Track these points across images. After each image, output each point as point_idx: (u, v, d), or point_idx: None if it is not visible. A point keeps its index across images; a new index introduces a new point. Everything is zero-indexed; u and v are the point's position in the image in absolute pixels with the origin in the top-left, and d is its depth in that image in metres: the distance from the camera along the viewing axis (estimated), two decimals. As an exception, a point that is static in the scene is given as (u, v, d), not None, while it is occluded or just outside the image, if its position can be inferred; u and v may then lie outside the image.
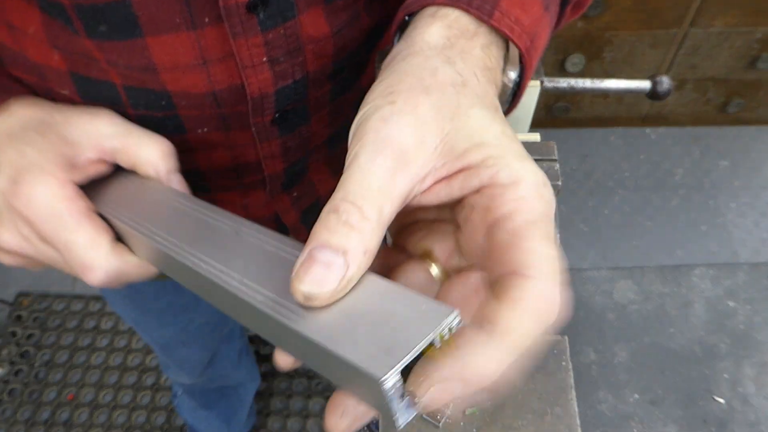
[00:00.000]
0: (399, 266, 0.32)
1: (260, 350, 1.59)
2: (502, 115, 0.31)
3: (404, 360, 0.23)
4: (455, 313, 0.24)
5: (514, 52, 0.36)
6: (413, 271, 0.31)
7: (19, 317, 1.65)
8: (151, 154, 0.41)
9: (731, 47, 1.70)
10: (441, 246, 0.32)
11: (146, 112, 0.46)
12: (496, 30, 0.34)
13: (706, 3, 1.58)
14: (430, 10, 0.33)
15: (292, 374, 1.56)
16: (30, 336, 1.62)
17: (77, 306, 1.66)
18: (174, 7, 0.39)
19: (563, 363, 0.50)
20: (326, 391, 1.53)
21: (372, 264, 0.27)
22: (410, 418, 0.25)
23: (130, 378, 1.56)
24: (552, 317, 0.25)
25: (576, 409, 0.48)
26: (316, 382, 1.54)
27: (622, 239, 1.74)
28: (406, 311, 0.25)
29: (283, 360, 0.30)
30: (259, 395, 1.51)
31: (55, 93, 0.46)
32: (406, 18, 0.35)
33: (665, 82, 0.70)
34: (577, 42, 1.68)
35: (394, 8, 0.38)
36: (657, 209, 1.80)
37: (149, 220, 0.39)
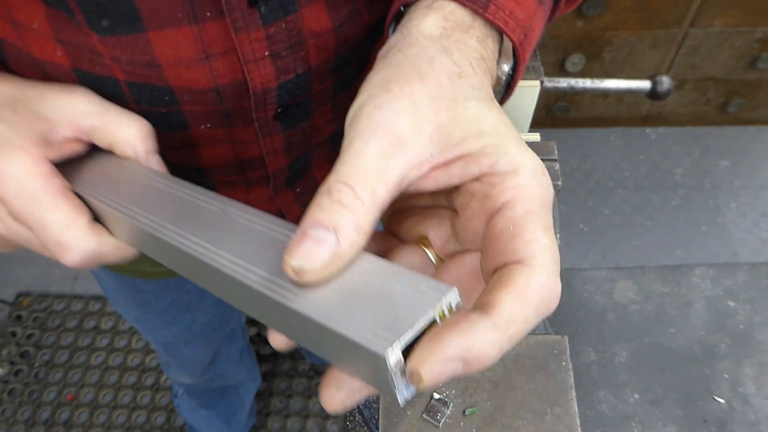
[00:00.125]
0: (393, 250, 0.32)
1: (261, 350, 1.59)
2: (498, 105, 0.31)
3: (407, 336, 0.24)
4: (455, 291, 0.25)
5: (507, 45, 0.37)
6: (408, 256, 0.32)
7: (19, 317, 1.65)
8: (129, 133, 0.41)
9: (731, 47, 1.70)
10: (436, 231, 0.32)
11: (149, 108, 0.45)
12: (491, 23, 0.34)
13: (706, 3, 1.58)
14: (425, 2, 0.34)
15: (292, 374, 1.56)
16: (30, 336, 1.62)
17: (77, 306, 1.66)
18: (176, 1, 0.39)
19: (563, 363, 0.50)
20: (326, 391, 1.53)
21: (366, 248, 0.28)
22: (410, 396, 0.25)
23: (130, 378, 1.56)
24: (551, 307, 0.26)
25: (576, 409, 0.48)
26: (316, 382, 1.54)
27: (622, 239, 1.74)
28: (406, 289, 0.25)
29: (278, 340, 0.30)
30: (259, 395, 1.51)
31: None
32: (402, 9, 0.35)
33: (665, 82, 0.70)
34: (577, 42, 1.68)
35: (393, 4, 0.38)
36: (657, 209, 1.80)
37: (130, 199, 0.38)
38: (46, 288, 1.69)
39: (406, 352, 0.24)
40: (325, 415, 1.50)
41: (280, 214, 0.60)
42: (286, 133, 0.51)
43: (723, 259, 1.69)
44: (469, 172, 0.28)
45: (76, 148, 0.42)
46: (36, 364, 1.58)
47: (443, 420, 0.48)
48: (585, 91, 0.70)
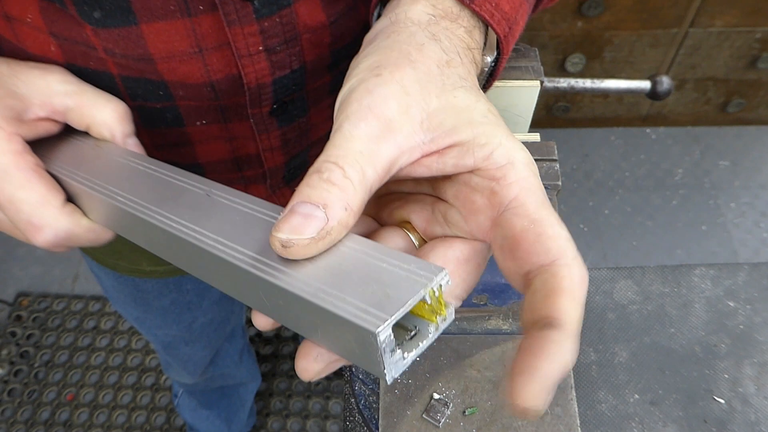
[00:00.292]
0: (376, 232, 0.32)
1: (261, 350, 1.59)
2: (485, 95, 0.32)
3: (397, 314, 0.24)
4: (445, 271, 0.25)
5: (491, 37, 0.37)
6: (391, 237, 0.32)
7: (18, 317, 1.65)
8: (106, 115, 0.40)
9: (731, 47, 1.70)
10: (418, 216, 0.32)
11: (144, 103, 0.45)
12: (477, 15, 0.34)
13: (706, 3, 1.58)
14: None
15: (292, 374, 1.56)
16: (30, 336, 1.62)
17: (77, 306, 1.66)
18: None
19: (563, 363, 0.50)
20: (326, 391, 1.53)
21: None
22: (398, 374, 0.25)
23: (130, 378, 1.56)
24: (585, 293, 0.27)
25: (576, 409, 0.48)
26: (316, 382, 1.54)
27: (622, 239, 1.74)
28: (396, 269, 0.26)
29: (262, 321, 0.30)
30: (259, 395, 1.51)
31: None
32: None
33: (665, 82, 0.70)
34: (577, 42, 1.68)
35: None
36: (657, 209, 1.80)
37: (107, 180, 0.37)
38: (46, 288, 1.69)
39: (395, 330, 0.25)
40: (325, 415, 1.50)
41: None
42: (282, 130, 0.51)
43: (723, 259, 1.69)
44: (464, 162, 0.29)
45: (49, 128, 0.41)
46: (36, 365, 1.58)
47: (443, 420, 0.48)
48: (585, 91, 0.70)
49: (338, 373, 1.52)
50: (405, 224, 0.33)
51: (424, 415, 0.48)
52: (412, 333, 0.27)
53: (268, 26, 0.41)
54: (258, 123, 0.48)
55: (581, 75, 1.76)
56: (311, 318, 0.26)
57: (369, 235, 0.32)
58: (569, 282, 0.26)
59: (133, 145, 0.42)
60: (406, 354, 0.25)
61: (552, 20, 1.63)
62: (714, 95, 1.86)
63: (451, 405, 0.49)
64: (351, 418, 0.63)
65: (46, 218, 0.38)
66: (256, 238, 0.29)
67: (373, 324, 0.23)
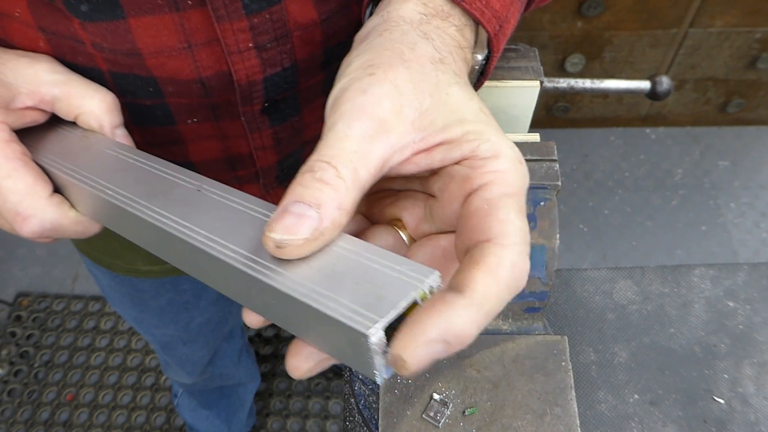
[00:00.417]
0: (367, 230, 0.32)
1: (260, 350, 1.59)
2: (476, 93, 0.32)
3: (389, 315, 0.24)
4: (436, 273, 0.25)
5: (482, 35, 0.37)
6: (382, 235, 0.32)
7: (18, 317, 1.65)
8: (94, 105, 0.40)
9: (731, 47, 1.70)
10: (410, 214, 0.32)
11: (134, 100, 0.45)
12: (468, 12, 0.34)
13: (706, 3, 1.58)
14: None
15: (291, 374, 1.56)
16: (30, 336, 1.62)
17: (77, 306, 1.66)
18: None
19: (563, 363, 0.50)
20: (326, 391, 1.53)
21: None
22: (389, 376, 0.25)
23: (130, 378, 1.56)
24: (521, 284, 0.27)
25: (575, 410, 0.48)
26: (316, 383, 1.54)
27: (622, 239, 1.74)
28: (388, 271, 0.26)
29: (252, 319, 0.30)
30: (259, 395, 1.51)
31: None
32: None
33: (665, 82, 0.70)
34: (577, 42, 1.68)
35: None
36: (657, 209, 1.80)
37: (95, 172, 0.37)
38: (46, 288, 1.69)
39: (387, 333, 0.25)
40: (324, 415, 1.50)
41: None
42: (274, 129, 0.50)
43: (723, 259, 1.69)
44: (450, 156, 0.29)
45: (37, 117, 0.41)
46: (36, 365, 1.58)
47: (443, 420, 0.48)
48: (585, 92, 0.70)
49: (338, 373, 1.52)
50: (396, 222, 0.33)
51: (423, 415, 0.48)
52: None
53: (257, 22, 0.41)
54: (249, 121, 0.48)
55: (581, 75, 1.76)
56: (303, 318, 0.26)
57: (360, 233, 0.32)
58: (495, 260, 0.26)
59: (122, 136, 0.42)
60: (403, 360, 0.25)
61: (552, 20, 1.63)
62: (714, 95, 1.86)
63: (451, 405, 0.49)
64: (351, 418, 0.63)
65: (33, 208, 0.38)
66: (248, 236, 0.29)
67: (365, 326, 0.23)
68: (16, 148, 0.38)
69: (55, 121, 0.42)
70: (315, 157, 0.28)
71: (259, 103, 0.47)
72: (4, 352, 1.60)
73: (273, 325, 1.48)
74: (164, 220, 0.31)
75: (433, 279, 0.25)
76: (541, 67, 0.61)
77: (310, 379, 1.55)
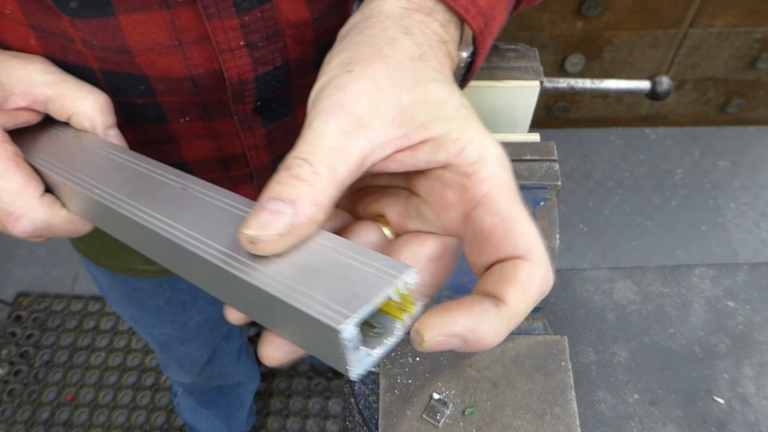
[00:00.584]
0: (350, 226, 0.33)
1: (260, 350, 1.59)
2: (458, 88, 0.32)
3: (362, 311, 0.24)
4: (412, 269, 0.25)
5: (467, 32, 0.37)
6: (366, 231, 0.32)
7: (18, 317, 1.65)
8: (87, 106, 0.40)
9: (731, 47, 1.70)
10: (393, 210, 0.32)
11: (125, 98, 0.45)
12: (452, 9, 0.34)
13: (706, 3, 1.58)
14: None
15: (291, 374, 1.56)
16: (30, 336, 1.62)
17: (77, 306, 1.66)
18: None
19: (563, 363, 0.50)
20: (326, 391, 1.53)
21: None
22: (363, 371, 0.25)
23: (130, 378, 1.56)
24: (545, 294, 0.28)
25: (575, 409, 0.48)
26: (316, 382, 1.54)
27: (622, 239, 1.74)
28: (364, 267, 0.26)
29: (233, 316, 0.30)
30: (259, 395, 1.51)
31: None
32: None
33: (665, 82, 0.70)
34: (577, 42, 1.68)
35: None
36: (657, 209, 1.80)
37: (86, 172, 0.37)
38: (46, 288, 1.69)
39: (365, 328, 0.25)
40: (324, 415, 1.50)
41: None
42: (267, 128, 0.50)
43: (723, 259, 1.69)
44: (436, 157, 0.29)
45: (29, 118, 0.41)
46: (36, 365, 1.58)
47: (443, 420, 0.48)
48: (585, 92, 0.70)
49: (338, 373, 1.52)
50: (379, 218, 0.33)
51: (423, 415, 0.48)
52: (379, 330, 0.27)
53: (248, 21, 0.41)
54: (241, 120, 0.48)
55: (581, 75, 1.76)
56: (279, 314, 0.26)
57: (344, 228, 0.32)
58: (526, 276, 0.27)
59: (115, 136, 0.42)
60: (371, 351, 0.26)
61: (552, 20, 1.63)
62: (714, 95, 1.86)
63: (451, 405, 0.49)
64: (351, 418, 0.63)
65: (24, 208, 0.38)
66: (228, 233, 0.29)
67: (338, 321, 0.23)
68: (9, 148, 0.39)
69: (48, 122, 0.43)
70: (292, 154, 0.28)
71: (251, 102, 0.47)
72: (4, 352, 1.60)
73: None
74: (149, 219, 0.31)
75: (408, 275, 0.25)
76: (541, 67, 0.61)
77: (310, 378, 1.55)
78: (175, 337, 0.95)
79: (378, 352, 0.26)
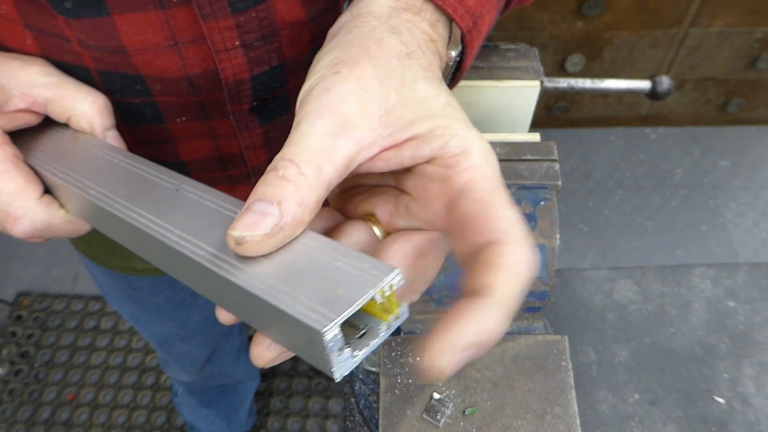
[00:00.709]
0: (340, 226, 0.33)
1: (260, 350, 1.59)
2: (446, 87, 0.32)
3: (345, 314, 0.24)
4: (397, 271, 0.26)
5: (456, 31, 0.37)
6: (356, 231, 0.32)
7: (19, 317, 1.65)
8: (86, 108, 0.41)
9: (731, 47, 1.70)
10: (383, 209, 0.33)
11: (122, 98, 0.45)
12: (440, 8, 0.34)
13: (706, 3, 1.58)
14: None
15: (292, 374, 1.56)
16: (30, 336, 1.62)
17: (77, 306, 1.66)
18: None
19: (563, 363, 0.50)
20: (326, 390, 1.53)
21: (312, 224, 0.28)
22: (346, 372, 0.25)
23: (130, 378, 1.56)
24: (532, 276, 0.27)
25: (576, 409, 0.48)
26: (316, 382, 1.54)
27: (622, 239, 1.74)
28: (348, 268, 0.26)
29: (224, 316, 0.30)
30: (259, 395, 1.51)
31: None
32: None
33: (665, 82, 0.70)
34: (577, 42, 1.68)
35: None
36: (657, 209, 1.80)
37: (82, 173, 0.38)
38: (46, 288, 1.69)
39: (350, 330, 0.25)
40: (325, 415, 1.50)
41: None
42: (264, 128, 0.50)
43: (723, 259, 1.69)
44: (420, 153, 0.29)
45: (29, 119, 0.41)
46: (36, 364, 1.58)
47: (443, 420, 0.48)
48: (585, 91, 0.70)
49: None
50: (370, 217, 0.33)
51: (424, 415, 0.48)
52: (363, 331, 0.27)
53: (244, 21, 0.41)
54: (238, 120, 0.48)
55: (581, 75, 1.76)
56: (264, 315, 0.26)
57: (334, 228, 0.33)
58: (509, 258, 0.26)
59: (113, 138, 0.42)
60: (355, 352, 0.26)
61: (552, 20, 1.63)
62: (714, 95, 1.86)
63: (451, 405, 0.49)
64: (351, 418, 0.63)
65: (24, 209, 0.39)
66: (218, 234, 0.29)
67: (320, 323, 0.24)
68: (8, 150, 0.39)
69: (47, 123, 0.43)
70: (279, 156, 0.28)
71: (248, 102, 0.47)
72: (5, 351, 1.60)
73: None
74: (142, 220, 0.32)
75: (393, 277, 0.25)
76: (542, 67, 0.61)
77: (311, 378, 1.55)
78: (175, 335, 0.95)
79: (361, 353, 0.26)
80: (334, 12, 0.46)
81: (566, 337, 0.52)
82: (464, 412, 0.48)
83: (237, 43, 0.42)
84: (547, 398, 0.48)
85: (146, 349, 1.59)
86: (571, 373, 0.50)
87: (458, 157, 0.28)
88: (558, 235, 0.52)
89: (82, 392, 1.54)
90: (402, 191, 0.32)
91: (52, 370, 1.57)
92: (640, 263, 1.70)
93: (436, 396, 0.49)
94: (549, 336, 0.52)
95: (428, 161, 0.29)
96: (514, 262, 0.26)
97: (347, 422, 0.64)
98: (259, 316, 0.27)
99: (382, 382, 0.50)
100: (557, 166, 0.53)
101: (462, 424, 0.48)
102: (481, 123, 0.63)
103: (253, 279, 0.27)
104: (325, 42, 0.33)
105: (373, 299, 0.25)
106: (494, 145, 0.54)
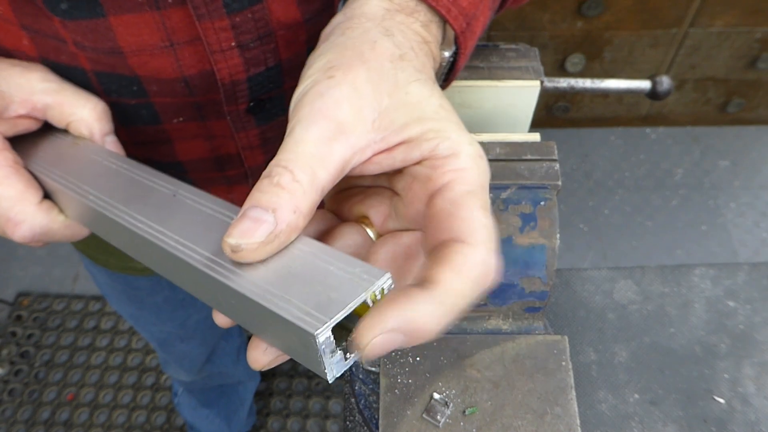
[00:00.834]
0: (334, 228, 0.33)
1: (260, 350, 1.59)
2: (439, 89, 0.32)
3: (337, 316, 0.25)
4: (387, 275, 0.26)
5: (449, 32, 0.37)
6: (350, 233, 0.32)
7: (19, 317, 1.65)
8: (85, 113, 0.41)
9: (731, 47, 1.70)
10: (376, 211, 0.33)
11: (119, 99, 0.45)
12: (434, 9, 0.35)
13: (706, 3, 1.58)
14: None
15: (292, 374, 1.56)
16: (30, 336, 1.62)
17: (77, 306, 1.66)
18: None
19: (563, 363, 0.50)
20: (326, 390, 1.53)
21: (307, 227, 0.29)
22: (340, 373, 0.26)
23: (130, 378, 1.56)
24: (487, 282, 0.27)
25: (576, 409, 0.48)
26: (316, 382, 1.54)
27: (622, 239, 1.74)
28: (341, 272, 0.27)
29: (220, 319, 0.31)
30: (259, 395, 1.51)
31: None
32: None
33: (665, 82, 0.70)
34: (577, 42, 1.68)
35: None
36: (657, 209, 1.80)
37: (81, 178, 0.38)
38: (46, 288, 1.69)
39: (341, 332, 0.26)
40: (325, 415, 1.50)
41: None
42: (261, 128, 0.50)
43: (723, 259, 1.69)
44: (411, 156, 0.29)
45: (29, 125, 0.42)
46: (36, 364, 1.58)
47: (443, 420, 0.48)
48: (585, 91, 0.70)
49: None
50: (363, 219, 0.33)
51: (424, 415, 0.48)
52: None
53: (239, 21, 0.41)
54: (235, 121, 0.48)
55: (581, 75, 1.76)
56: (259, 318, 0.27)
57: (329, 230, 0.33)
58: (460, 258, 0.26)
59: (112, 143, 0.42)
60: (348, 355, 0.26)
61: (552, 20, 1.63)
62: (714, 95, 1.86)
63: (451, 405, 0.49)
64: (351, 418, 0.63)
65: (24, 214, 0.39)
66: (214, 238, 0.30)
67: (313, 326, 0.24)
68: (8, 156, 0.39)
69: (47, 128, 0.43)
70: (273, 162, 0.28)
71: (244, 103, 0.47)
72: (5, 351, 1.60)
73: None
74: (140, 225, 0.32)
75: (384, 281, 0.26)
76: (542, 67, 0.61)
77: (310, 378, 1.55)
78: (174, 335, 0.95)
79: (353, 355, 0.26)
80: (329, 12, 0.46)
81: (566, 337, 0.52)
82: (464, 412, 0.48)
83: (233, 43, 0.42)
84: (547, 398, 0.48)
85: (146, 349, 1.59)
86: (571, 373, 0.50)
87: (447, 159, 0.29)
88: (558, 235, 0.52)
89: (82, 392, 1.54)
90: (395, 193, 0.32)
91: (52, 370, 1.57)
92: (640, 263, 1.70)
93: (436, 396, 0.49)
94: (549, 336, 0.52)
95: (418, 162, 0.29)
96: (468, 263, 0.26)
97: (347, 422, 0.64)
98: (254, 319, 0.28)
99: (382, 382, 0.50)
100: (557, 166, 0.53)
101: (462, 424, 0.48)
102: (481, 123, 0.62)
103: (248, 283, 0.27)
104: (319, 43, 0.33)
105: (364, 302, 0.26)
106: (494, 145, 0.54)
